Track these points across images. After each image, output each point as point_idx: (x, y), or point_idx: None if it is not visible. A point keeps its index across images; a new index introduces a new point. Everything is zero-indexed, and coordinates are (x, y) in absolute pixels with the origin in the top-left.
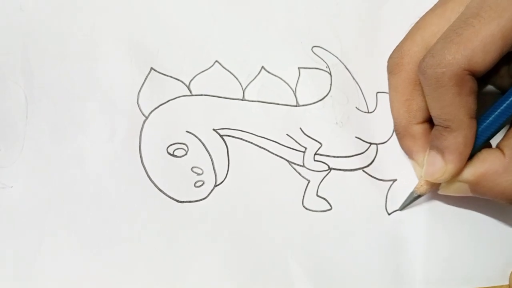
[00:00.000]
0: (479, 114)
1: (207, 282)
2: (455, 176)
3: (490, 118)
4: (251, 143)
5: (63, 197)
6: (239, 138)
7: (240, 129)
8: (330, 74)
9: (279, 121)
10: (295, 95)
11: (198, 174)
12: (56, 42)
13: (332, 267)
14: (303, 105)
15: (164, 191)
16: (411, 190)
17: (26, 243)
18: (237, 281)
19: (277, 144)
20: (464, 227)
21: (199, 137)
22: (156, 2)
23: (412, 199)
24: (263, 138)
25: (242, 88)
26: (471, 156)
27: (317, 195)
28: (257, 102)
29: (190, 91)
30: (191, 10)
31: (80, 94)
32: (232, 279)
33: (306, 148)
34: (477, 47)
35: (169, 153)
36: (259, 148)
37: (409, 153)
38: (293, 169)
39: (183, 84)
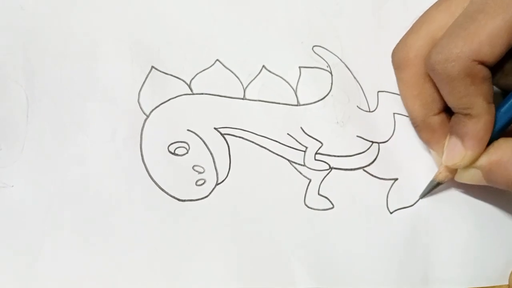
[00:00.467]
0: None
1: (208, 280)
2: (473, 162)
3: (506, 105)
4: (252, 142)
5: (64, 197)
6: (240, 137)
7: (241, 128)
8: (331, 73)
9: (280, 121)
10: (296, 95)
11: (200, 173)
12: (57, 41)
13: (333, 265)
14: (304, 105)
15: (165, 189)
16: (411, 189)
17: (26, 243)
18: (238, 280)
19: (278, 143)
20: (464, 228)
21: (200, 135)
22: (157, 1)
23: (432, 187)
24: (264, 137)
25: (243, 87)
26: (488, 144)
27: (318, 193)
28: (258, 101)
29: (191, 90)
30: (192, 9)
31: (81, 93)
32: (234, 278)
33: (307, 148)
34: (484, 41)
35: (170, 152)
36: (260, 147)
37: (428, 144)
38: (294, 169)
39: (184, 83)
